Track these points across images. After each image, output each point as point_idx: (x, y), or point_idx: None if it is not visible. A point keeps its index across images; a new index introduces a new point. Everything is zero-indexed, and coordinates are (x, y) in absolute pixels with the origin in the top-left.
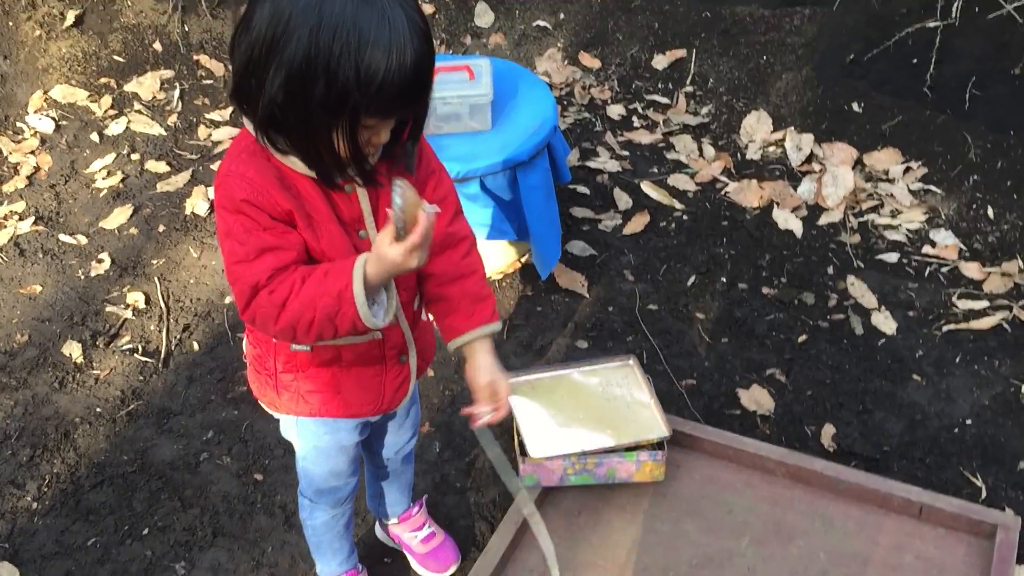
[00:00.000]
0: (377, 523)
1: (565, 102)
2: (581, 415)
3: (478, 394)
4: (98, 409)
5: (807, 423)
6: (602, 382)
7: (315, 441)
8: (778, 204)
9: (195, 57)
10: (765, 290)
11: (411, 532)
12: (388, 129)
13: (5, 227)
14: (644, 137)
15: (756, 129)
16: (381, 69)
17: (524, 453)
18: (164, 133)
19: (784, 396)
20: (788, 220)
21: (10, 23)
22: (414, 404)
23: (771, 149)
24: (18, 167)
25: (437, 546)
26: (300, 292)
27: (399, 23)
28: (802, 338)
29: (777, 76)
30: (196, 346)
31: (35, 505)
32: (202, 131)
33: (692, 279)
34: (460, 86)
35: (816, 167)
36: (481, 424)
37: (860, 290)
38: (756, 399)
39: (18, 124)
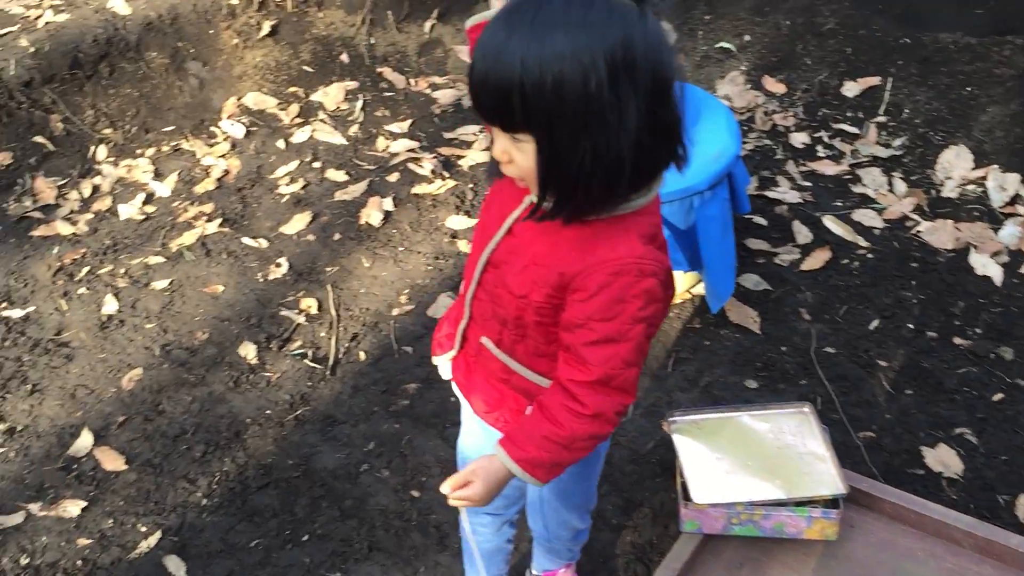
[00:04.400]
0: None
1: (745, 128)
2: (749, 462)
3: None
4: (268, 411)
5: (1000, 491)
6: (774, 428)
7: (461, 454)
8: (976, 248)
9: (379, 70)
10: (957, 340)
11: None
12: (497, 142)
13: (194, 227)
14: (829, 168)
15: (954, 165)
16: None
17: (687, 497)
18: (345, 143)
19: (974, 459)
20: (987, 266)
21: (211, 31)
22: (568, 497)
23: (970, 188)
24: (209, 170)
25: None
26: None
27: (511, 35)
28: (998, 396)
29: (981, 109)
30: (363, 356)
31: (204, 501)
32: (380, 142)
33: (875, 323)
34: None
35: (1021, 209)
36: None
37: None
38: (942, 460)
39: (212, 129)
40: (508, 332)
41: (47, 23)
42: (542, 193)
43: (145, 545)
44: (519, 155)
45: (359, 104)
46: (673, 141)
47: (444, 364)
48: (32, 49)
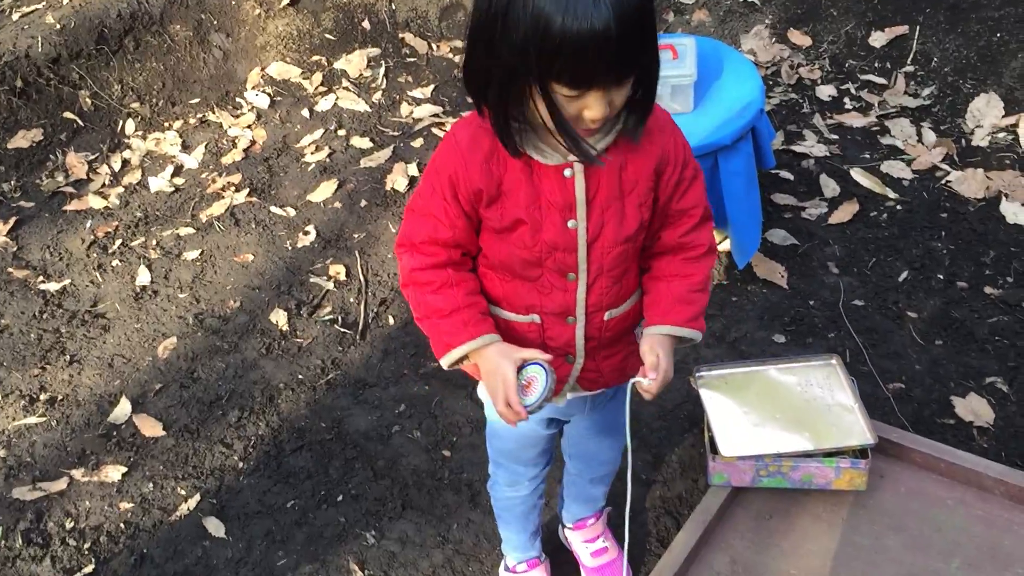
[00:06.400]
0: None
1: (771, 82)
2: (777, 415)
3: (643, 361)
4: (300, 376)
5: None
6: (801, 381)
7: (494, 415)
8: (1007, 196)
9: (400, 35)
10: (988, 290)
11: (583, 542)
12: (601, 104)
13: (223, 198)
14: (856, 120)
15: (985, 113)
16: (557, 32)
17: (715, 450)
18: (368, 110)
19: (1006, 408)
20: (1018, 214)
21: (232, 2)
22: (611, 434)
23: (1001, 135)
24: (236, 141)
25: (607, 562)
26: (431, 295)
27: None
28: None
29: (1012, 55)
30: (392, 320)
31: (241, 465)
32: (404, 108)
33: (904, 274)
34: (662, 66)
35: None
36: (632, 381)
37: None
38: (973, 409)
39: (237, 99)
40: (620, 282)
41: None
42: (632, 123)
43: (185, 507)
44: (619, 100)
45: (382, 71)
46: None
47: (564, 396)
48: (58, 26)
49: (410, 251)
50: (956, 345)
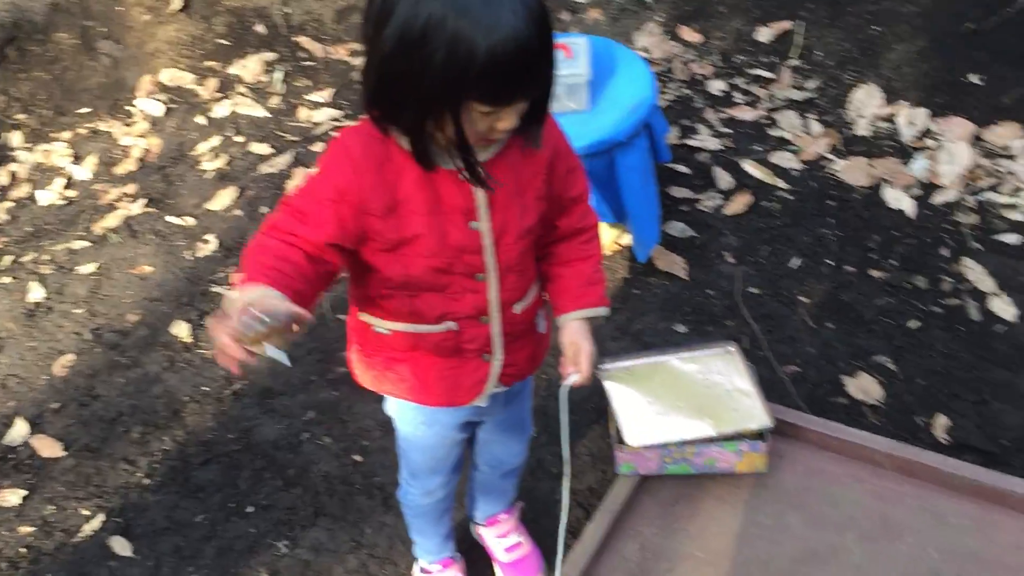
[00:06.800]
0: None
1: (664, 78)
2: (680, 403)
3: (564, 354)
4: (205, 388)
5: (918, 414)
6: (701, 369)
7: (412, 428)
8: (888, 183)
9: (295, 39)
10: (874, 273)
11: (496, 538)
12: (515, 115)
13: (118, 209)
14: (746, 113)
15: (865, 104)
16: (483, 54)
17: (621, 441)
18: (267, 115)
19: (894, 385)
20: (899, 199)
21: (119, 7)
22: (521, 427)
23: (881, 125)
24: (129, 150)
25: (521, 557)
26: (271, 240)
27: (505, 3)
28: (913, 324)
29: (889, 47)
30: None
31: (146, 481)
32: (303, 112)
33: (796, 261)
34: (557, 65)
35: (930, 143)
36: (566, 384)
37: (977, 274)
38: (863, 388)
39: (128, 108)
40: (524, 274)
41: None
42: (535, 129)
43: (89, 528)
44: (511, 117)
45: (279, 75)
46: None
47: (487, 396)
48: None
49: (271, 230)
50: (846, 327)
